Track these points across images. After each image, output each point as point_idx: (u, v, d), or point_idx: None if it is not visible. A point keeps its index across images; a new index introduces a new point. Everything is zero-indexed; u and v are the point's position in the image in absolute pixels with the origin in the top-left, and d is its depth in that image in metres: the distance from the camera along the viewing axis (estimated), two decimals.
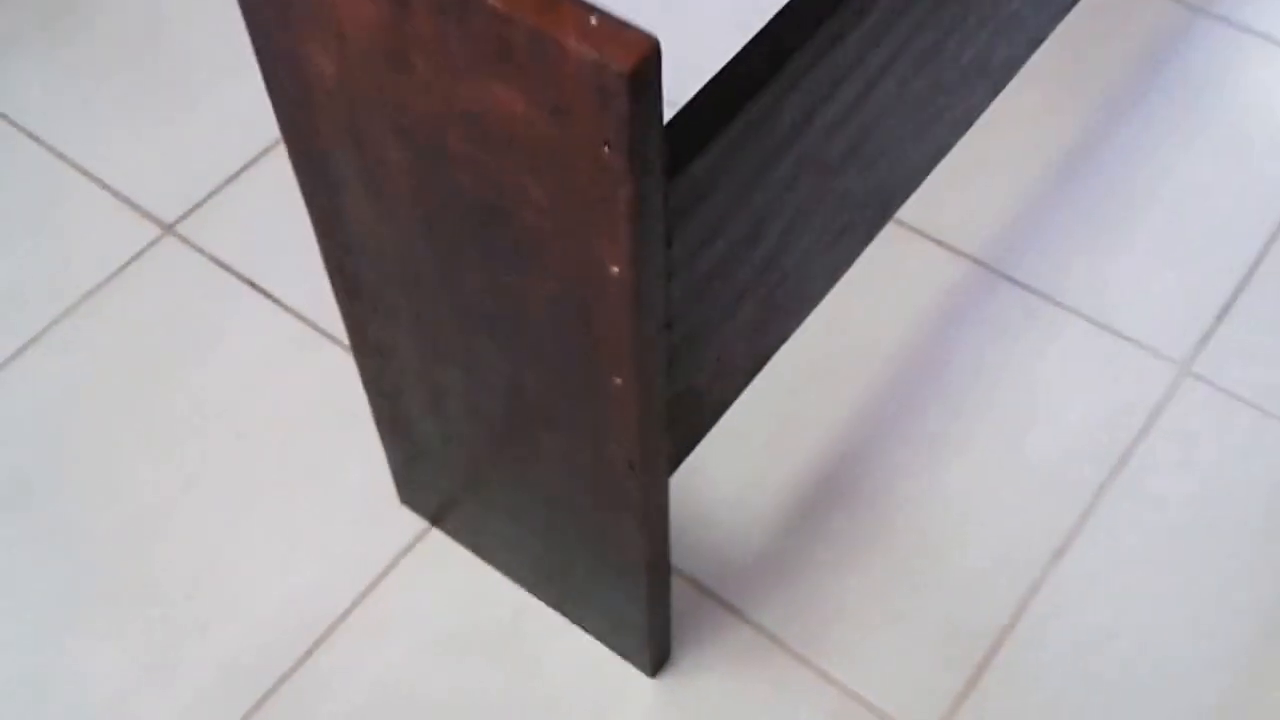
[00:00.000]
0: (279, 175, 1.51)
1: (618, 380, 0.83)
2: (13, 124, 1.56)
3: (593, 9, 0.64)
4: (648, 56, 0.63)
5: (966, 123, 1.12)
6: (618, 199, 0.70)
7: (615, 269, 0.74)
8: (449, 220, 0.83)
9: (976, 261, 1.41)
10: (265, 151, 1.53)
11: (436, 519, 1.24)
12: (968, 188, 1.46)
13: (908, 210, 1.44)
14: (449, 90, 0.73)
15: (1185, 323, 1.36)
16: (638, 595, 1.06)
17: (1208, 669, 1.15)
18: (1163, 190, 1.46)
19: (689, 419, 0.93)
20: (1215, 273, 1.40)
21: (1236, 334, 1.36)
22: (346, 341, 1.37)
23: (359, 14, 0.73)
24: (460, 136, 0.75)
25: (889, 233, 1.43)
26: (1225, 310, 1.37)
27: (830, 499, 1.25)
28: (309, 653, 1.19)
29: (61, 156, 1.53)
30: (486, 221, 0.80)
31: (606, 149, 0.68)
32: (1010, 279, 1.40)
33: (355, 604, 1.22)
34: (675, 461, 0.95)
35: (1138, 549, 1.22)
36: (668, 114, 0.71)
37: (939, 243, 1.42)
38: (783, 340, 1.00)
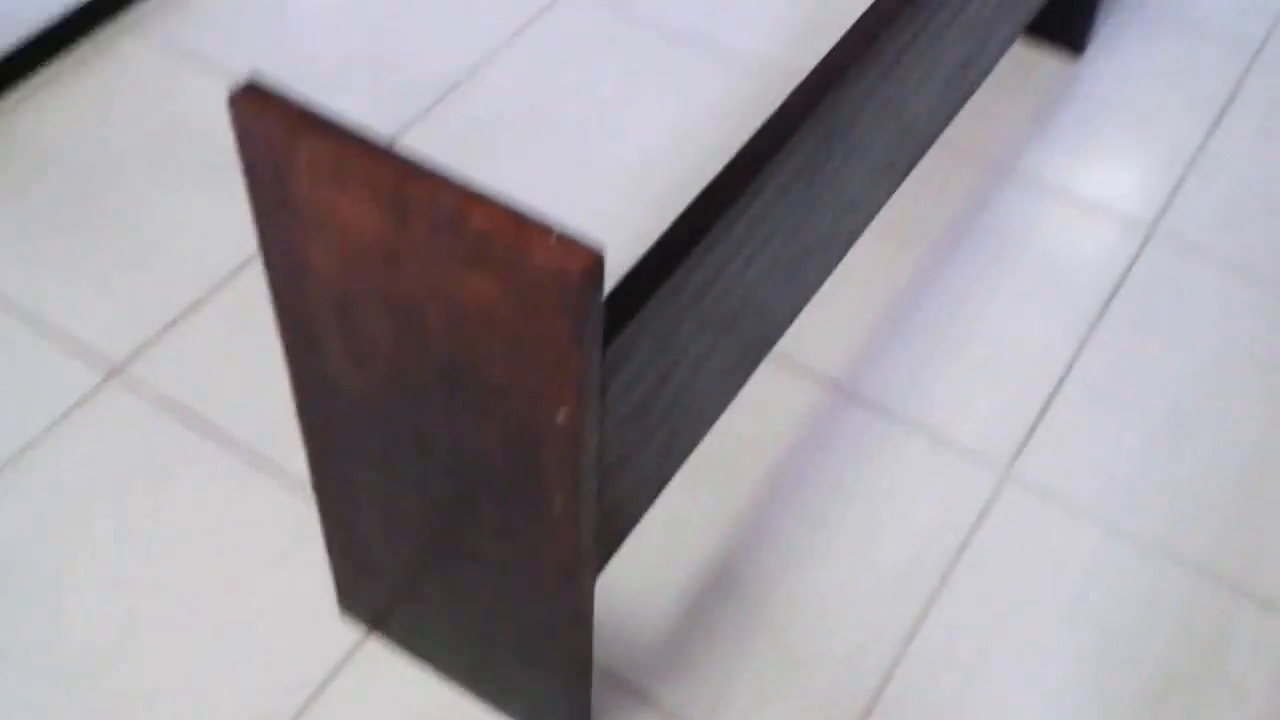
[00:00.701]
0: (223, 316, 1.68)
1: (559, 500, 1.03)
2: None
3: (553, 230, 0.86)
4: (595, 264, 0.85)
5: (824, 277, 1.36)
6: (568, 363, 0.91)
7: (562, 414, 0.95)
8: (420, 376, 1.03)
9: (832, 384, 1.66)
10: (209, 294, 1.70)
11: (375, 625, 1.41)
12: (824, 322, 1.71)
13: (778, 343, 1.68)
14: (433, 280, 0.93)
15: (1005, 434, 1.62)
16: (563, 683, 1.25)
17: None
18: (983, 323, 1.73)
19: (612, 530, 1.14)
20: (1028, 392, 1.67)
21: (1046, 444, 1.62)
22: (290, 470, 1.55)
23: (361, 224, 0.93)
24: (439, 313, 0.96)
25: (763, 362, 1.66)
26: (1037, 423, 1.64)
27: (721, 595, 1.47)
28: None
29: (11, 308, 1.68)
30: (454, 377, 1.00)
31: (560, 329, 0.89)
32: (861, 399, 1.64)
33: (303, 709, 1.37)
34: (600, 566, 1.15)
35: (974, 633, 1.46)
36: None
37: (801, 367, 1.67)
38: (684, 459, 1.22)
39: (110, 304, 1.69)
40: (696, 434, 1.23)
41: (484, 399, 1.00)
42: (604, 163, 1.88)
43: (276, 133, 0.93)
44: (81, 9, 1.96)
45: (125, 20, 2.03)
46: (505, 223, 0.87)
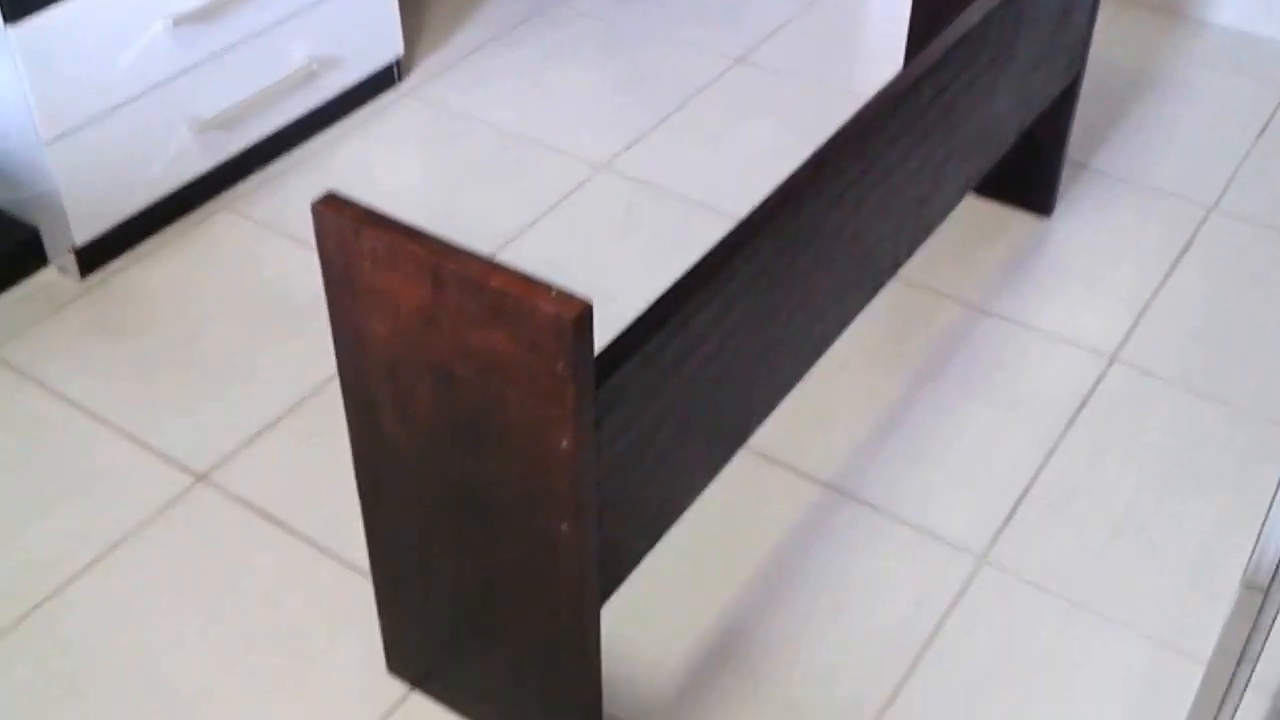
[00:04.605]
0: (292, 435, 1.95)
1: (565, 527, 1.27)
2: (75, 405, 2.00)
3: (552, 285, 1.13)
4: (585, 311, 1.12)
5: (797, 375, 1.61)
6: (566, 397, 1.17)
7: (564, 444, 1.20)
8: (452, 422, 1.28)
9: (825, 484, 1.88)
10: (281, 417, 1.98)
11: (418, 683, 1.63)
12: (817, 433, 1.95)
13: (773, 446, 1.92)
14: (463, 337, 1.20)
15: (981, 527, 1.83)
16: (579, 712, 1.45)
17: None
18: (961, 435, 1.96)
19: (613, 562, 1.36)
20: (1002, 492, 1.88)
21: (1018, 536, 1.82)
22: (347, 557, 1.79)
23: (409, 296, 1.21)
24: (467, 366, 1.22)
25: (757, 461, 1.90)
26: (1009, 519, 1.85)
27: (724, 657, 1.67)
28: None
29: (114, 429, 1.96)
30: (479, 421, 1.25)
31: (560, 366, 1.15)
32: (851, 496, 1.87)
33: None
34: (604, 595, 1.37)
35: (952, 693, 1.64)
36: (599, 346, 1.19)
37: (796, 470, 1.90)
38: (678, 514, 1.45)
39: (199, 424, 1.97)
40: (687, 493, 1.46)
41: (504, 439, 1.25)
42: (629, 297, 2.17)
43: (346, 227, 1.21)
44: (186, 189, 2.32)
45: (222, 199, 2.39)
46: (516, 283, 1.14)
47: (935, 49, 1.65)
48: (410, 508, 1.41)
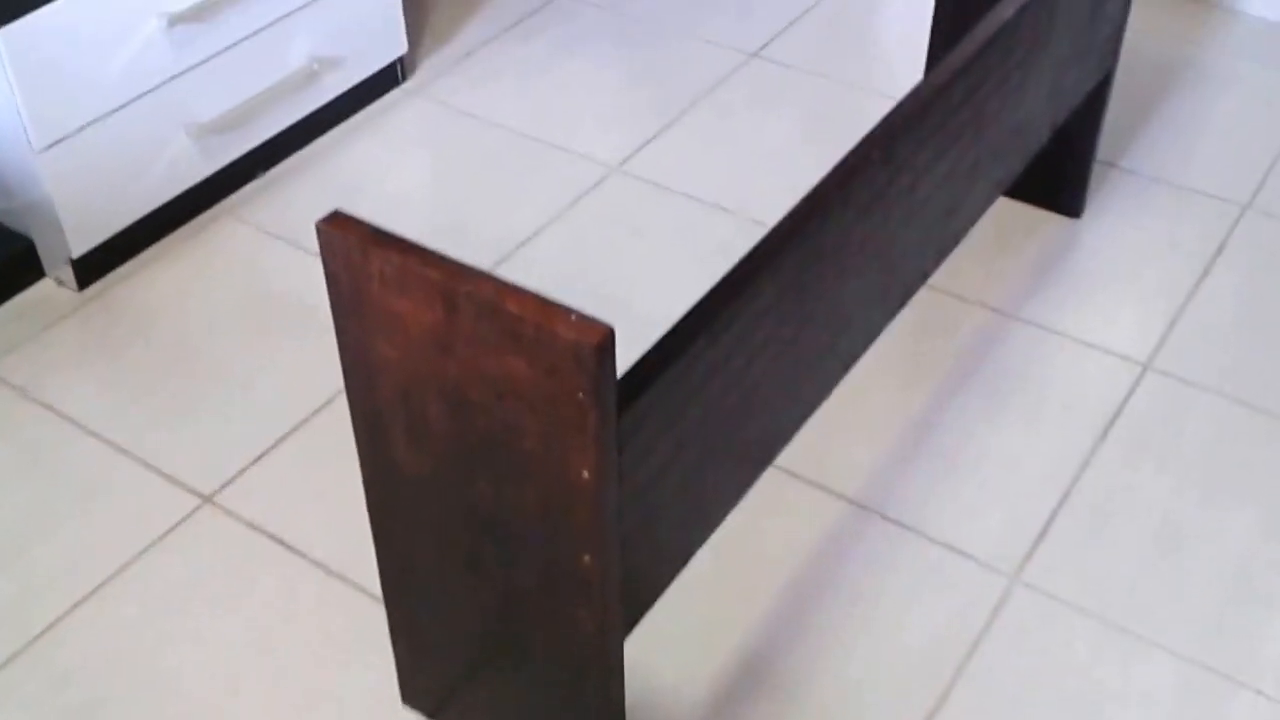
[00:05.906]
0: (301, 453, 1.89)
1: (587, 558, 1.20)
2: (76, 424, 1.93)
3: (572, 310, 1.06)
4: (606, 337, 1.05)
5: (824, 393, 1.54)
6: (588, 425, 1.10)
7: (585, 474, 1.13)
8: (467, 449, 1.21)
9: (852, 501, 1.81)
10: (289, 434, 1.91)
11: (434, 714, 1.56)
12: (842, 447, 1.88)
13: (798, 463, 1.85)
14: (477, 362, 1.13)
15: (1013, 545, 1.76)
16: None
17: None
18: (991, 448, 1.89)
19: (637, 592, 1.30)
20: (1034, 508, 1.81)
21: (1051, 553, 1.75)
22: (359, 581, 1.72)
23: (420, 319, 1.14)
24: (481, 391, 1.15)
25: (782, 479, 1.83)
26: (1042, 535, 1.78)
27: (751, 683, 1.60)
28: None
29: (117, 448, 1.90)
30: (495, 449, 1.19)
31: (581, 394, 1.08)
32: (879, 514, 1.80)
33: None
34: (628, 627, 1.31)
35: (988, 717, 1.57)
36: (620, 370, 1.12)
37: (821, 487, 1.83)
38: (703, 540, 1.38)
39: (203, 443, 1.90)
40: (712, 518, 1.39)
41: (521, 467, 1.18)
42: (644, 304, 2.10)
43: (353, 248, 1.14)
44: (185, 196, 2.25)
45: (223, 205, 2.32)
46: (533, 307, 1.07)
47: (967, 46, 1.58)
48: (424, 536, 1.34)
